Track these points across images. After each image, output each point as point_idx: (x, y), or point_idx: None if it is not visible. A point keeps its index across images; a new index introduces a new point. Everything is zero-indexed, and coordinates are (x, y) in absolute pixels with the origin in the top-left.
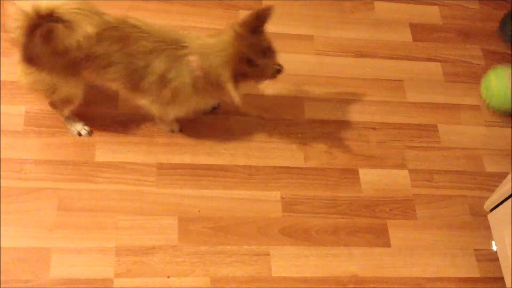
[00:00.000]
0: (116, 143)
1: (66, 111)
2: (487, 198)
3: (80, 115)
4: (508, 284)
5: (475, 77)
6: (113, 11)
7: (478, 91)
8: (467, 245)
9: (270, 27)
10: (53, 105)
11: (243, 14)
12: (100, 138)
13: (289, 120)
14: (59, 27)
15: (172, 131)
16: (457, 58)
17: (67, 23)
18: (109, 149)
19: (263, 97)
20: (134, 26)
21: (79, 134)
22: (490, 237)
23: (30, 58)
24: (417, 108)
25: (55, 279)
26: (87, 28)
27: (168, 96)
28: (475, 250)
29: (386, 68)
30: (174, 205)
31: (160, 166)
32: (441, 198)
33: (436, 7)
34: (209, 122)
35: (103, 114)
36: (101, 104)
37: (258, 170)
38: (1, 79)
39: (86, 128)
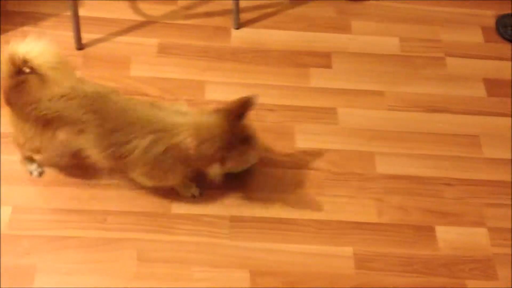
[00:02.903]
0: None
1: (29, 153)
2: None
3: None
4: None
5: None
6: (191, 71)
7: None
8: None
9: (342, 84)
10: (18, 145)
11: (313, 72)
12: (176, 191)
13: (360, 174)
14: (32, 79)
15: (193, 196)
16: None
17: (41, 77)
18: (184, 201)
19: (333, 151)
20: (115, 102)
21: (31, 174)
22: None
23: (9, 102)
24: (494, 164)
25: None
26: (60, 88)
27: (157, 172)
28: None
29: (460, 123)
30: (246, 258)
31: (233, 219)
32: None
33: (509, 62)
34: (279, 176)
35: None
36: None
37: (329, 224)
38: None
39: (39, 169)
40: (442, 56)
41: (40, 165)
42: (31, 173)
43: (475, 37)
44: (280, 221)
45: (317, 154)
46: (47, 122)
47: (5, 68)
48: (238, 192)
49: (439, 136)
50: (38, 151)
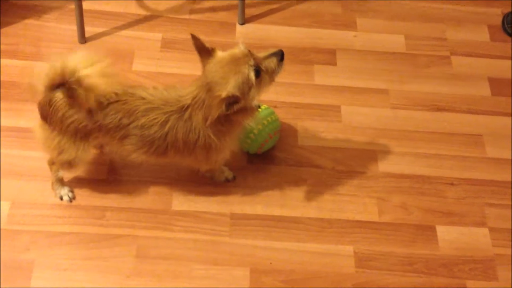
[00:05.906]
0: (192, 192)
1: (61, 174)
2: None
3: (160, 165)
4: None
5: None
6: (195, 66)
7: None
8: None
9: (346, 81)
10: (51, 163)
11: (318, 68)
12: (177, 187)
13: (362, 173)
14: (68, 92)
15: (227, 179)
16: None
17: (78, 89)
18: (185, 198)
19: (336, 149)
20: (141, 98)
21: (61, 199)
22: None
23: (45, 117)
24: (498, 164)
25: None
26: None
27: (203, 154)
28: None
29: (464, 123)
30: (246, 256)
31: (233, 216)
32: None
33: None
34: (281, 173)
35: (180, 165)
36: None
37: (330, 223)
38: None
39: (70, 194)
40: (448, 55)
41: (71, 190)
42: (61, 197)
43: (481, 35)
44: (281, 219)
45: (319, 151)
46: (87, 133)
47: (48, 82)
48: (239, 189)
49: (442, 135)
50: (70, 165)
